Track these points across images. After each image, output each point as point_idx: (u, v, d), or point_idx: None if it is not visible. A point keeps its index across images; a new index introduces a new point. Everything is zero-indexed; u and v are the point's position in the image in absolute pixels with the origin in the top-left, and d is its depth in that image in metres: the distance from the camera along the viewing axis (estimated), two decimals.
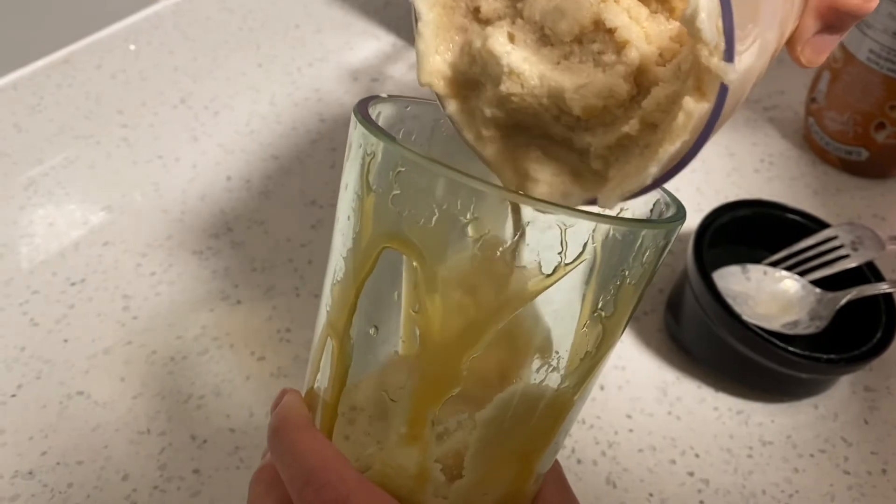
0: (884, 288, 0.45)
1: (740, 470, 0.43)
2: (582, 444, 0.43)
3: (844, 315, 0.46)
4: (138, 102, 0.63)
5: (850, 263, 0.47)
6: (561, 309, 0.28)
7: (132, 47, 0.68)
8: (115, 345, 0.47)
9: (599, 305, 0.26)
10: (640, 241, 0.25)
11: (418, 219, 0.24)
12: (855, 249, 0.48)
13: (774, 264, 0.48)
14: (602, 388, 0.45)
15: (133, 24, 0.70)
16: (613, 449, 0.43)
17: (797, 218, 0.50)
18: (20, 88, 0.63)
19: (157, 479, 0.41)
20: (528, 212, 0.23)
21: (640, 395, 0.45)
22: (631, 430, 0.44)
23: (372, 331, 0.28)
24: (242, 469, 0.42)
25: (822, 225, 0.49)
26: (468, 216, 0.23)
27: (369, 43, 0.69)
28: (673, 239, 0.26)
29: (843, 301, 0.46)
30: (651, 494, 0.42)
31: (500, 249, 0.24)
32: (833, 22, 0.27)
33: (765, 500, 0.42)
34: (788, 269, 0.48)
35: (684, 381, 0.46)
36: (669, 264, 0.52)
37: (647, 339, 0.48)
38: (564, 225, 0.23)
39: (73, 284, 0.50)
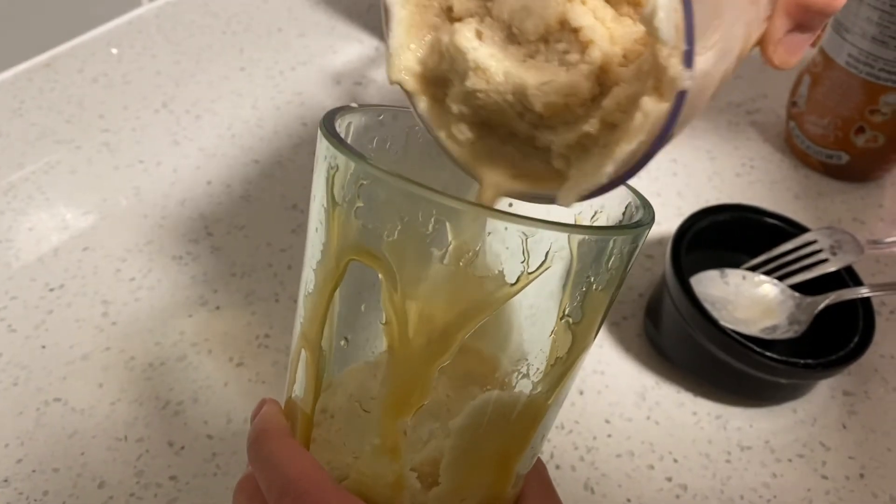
0: (862, 292, 0.46)
1: (718, 475, 0.43)
2: (560, 450, 0.43)
3: (823, 319, 0.46)
4: (120, 107, 0.63)
5: (829, 268, 0.47)
6: (532, 315, 0.28)
7: (114, 51, 0.68)
8: (93, 351, 0.47)
9: (567, 312, 0.26)
10: (606, 247, 0.25)
11: (381, 231, 0.24)
12: (834, 254, 0.48)
13: (753, 269, 0.48)
14: (581, 392, 0.45)
15: (116, 27, 0.70)
16: (592, 454, 0.43)
17: (776, 222, 0.50)
18: (1, 92, 0.63)
19: (134, 486, 0.41)
20: (490, 222, 0.23)
21: (618, 400, 0.45)
22: (609, 436, 0.44)
23: (343, 342, 0.28)
24: (220, 476, 0.41)
25: (802, 229, 0.49)
26: (430, 228, 0.23)
27: (352, 47, 0.69)
28: (641, 243, 0.26)
29: (822, 305, 0.46)
30: (629, 500, 0.42)
31: (464, 260, 0.24)
32: (803, 20, 0.27)
33: None
34: (767, 273, 0.48)
35: (663, 386, 0.46)
36: (649, 269, 0.52)
37: (626, 343, 0.48)
38: (525, 235, 0.23)
39: (51, 290, 0.50)
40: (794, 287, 0.47)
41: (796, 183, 0.61)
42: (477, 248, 0.23)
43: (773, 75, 0.66)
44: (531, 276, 0.24)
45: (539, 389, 0.28)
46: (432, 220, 0.23)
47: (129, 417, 0.44)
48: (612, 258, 0.25)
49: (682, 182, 0.58)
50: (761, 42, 0.28)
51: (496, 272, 0.24)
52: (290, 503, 0.25)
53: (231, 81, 0.65)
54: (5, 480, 0.41)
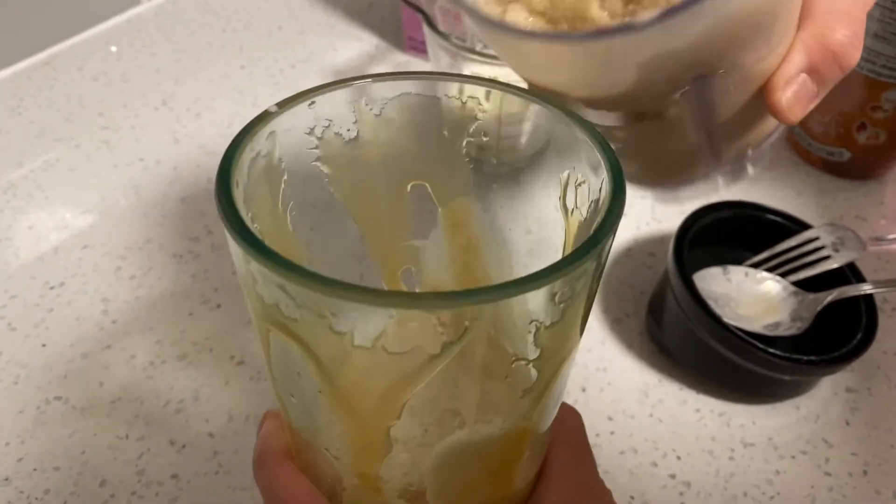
0: (865, 289, 0.45)
1: (722, 472, 0.43)
2: None
3: (826, 316, 0.46)
4: (119, 105, 0.62)
5: (832, 265, 0.47)
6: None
7: (114, 49, 0.68)
8: (93, 349, 0.46)
9: (516, 356, 0.25)
10: (537, 298, 0.22)
11: (287, 312, 0.22)
12: (836, 250, 0.48)
13: (756, 266, 0.48)
14: (584, 389, 0.45)
15: (115, 26, 0.70)
16: (595, 451, 0.43)
17: (778, 219, 0.50)
18: (0, 90, 0.62)
19: (136, 485, 0.41)
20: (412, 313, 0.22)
21: (621, 398, 0.45)
22: (612, 433, 0.44)
23: (293, 399, 0.27)
24: (221, 474, 0.41)
25: (804, 226, 0.49)
26: (334, 316, 0.21)
27: (352, 45, 0.69)
28: (601, 263, 0.24)
29: (825, 302, 0.46)
30: (632, 497, 0.41)
31: (378, 340, 0.22)
32: (820, 65, 0.27)
33: (746, 502, 0.41)
34: (770, 270, 0.48)
35: (666, 384, 0.46)
36: (651, 266, 0.52)
37: (628, 341, 0.48)
38: (437, 318, 0.22)
39: (51, 288, 0.50)
40: (797, 284, 0.47)
41: (798, 180, 0.61)
42: (384, 330, 0.22)
43: None
44: (456, 346, 0.22)
45: (513, 420, 0.26)
46: (333, 311, 0.21)
47: (130, 416, 0.43)
48: (558, 295, 0.22)
49: None
50: (770, 81, 0.27)
51: (413, 347, 0.22)
52: None
53: (231, 79, 0.65)
54: (6, 479, 0.41)
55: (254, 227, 0.24)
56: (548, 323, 0.23)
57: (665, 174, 0.35)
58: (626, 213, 0.55)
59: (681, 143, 0.30)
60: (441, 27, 0.54)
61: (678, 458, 0.43)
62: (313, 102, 0.27)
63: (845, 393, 0.47)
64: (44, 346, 0.47)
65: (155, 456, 0.42)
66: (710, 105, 0.28)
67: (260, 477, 0.28)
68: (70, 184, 0.56)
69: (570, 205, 0.28)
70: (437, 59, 0.54)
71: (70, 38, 0.68)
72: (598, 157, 0.25)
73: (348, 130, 0.29)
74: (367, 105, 0.28)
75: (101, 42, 0.68)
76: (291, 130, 0.27)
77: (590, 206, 0.26)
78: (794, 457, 0.44)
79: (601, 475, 0.42)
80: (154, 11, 0.72)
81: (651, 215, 0.55)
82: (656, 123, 0.29)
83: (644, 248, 0.53)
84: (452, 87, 0.28)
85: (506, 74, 0.50)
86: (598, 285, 0.24)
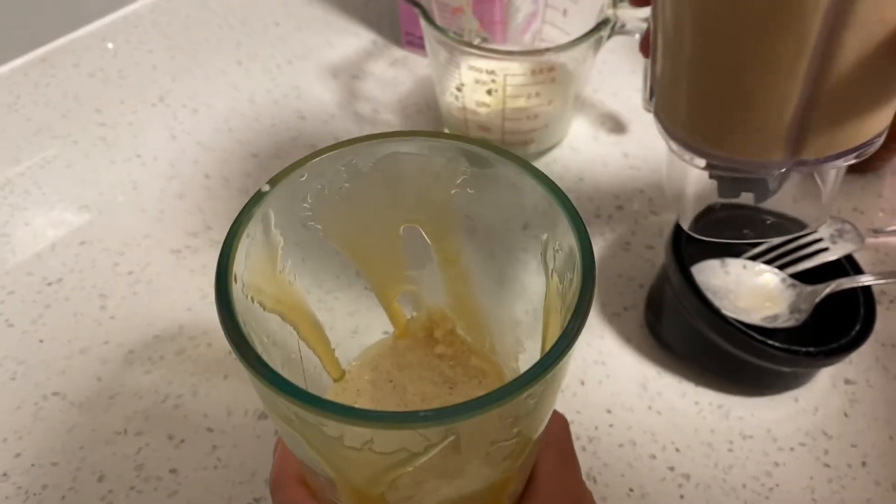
0: (863, 281, 0.45)
1: (721, 464, 0.43)
2: None
3: (824, 308, 0.45)
4: (116, 101, 0.62)
5: (830, 256, 0.47)
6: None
7: (110, 46, 0.67)
8: (91, 345, 0.46)
9: (494, 442, 0.26)
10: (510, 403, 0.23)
11: (285, 411, 0.23)
12: (834, 243, 0.47)
13: (754, 258, 0.48)
14: (582, 383, 0.45)
15: (111, 22, 0.70)
16: (594, 444, 0.43)
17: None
18: None
19: (134, 480, 0.41)
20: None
21: (620, 391, 0.45)
22: (611, 426, 0.44)
23: (297, 452, 0.28)
24: (220, 468, 0.41)
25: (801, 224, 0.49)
26: (320, 424, 0.23)
27: (349, 40, 0.69)
28: (568, 355, 0.24)
29: (823, 294, 0.46)
30: (631, 489, 0.41)
31: (363, 443, 0.23)
32: None
33: (745, 494, 0.41)
34: (768, 262, 0.48)
35: (665, 376, 0.46)
36: (649, 259, 0.52)
37: (627, 334, 0.48)
38: (414, 433, 0.22)
39: (49, 284, 0.49)
40: (795, 276, 0.47)
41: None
42: (371, 437, 0.23)
43: None
44: (438, 446, 0.23)
45: (497, 475, 0.28)
46: (323, 422, 0.22)
47: (129, 411, 0.43)
48: (531, 397, 0.23)
49: None
50: None
51: (399, 448, 0.23)
52: None
53: (228, 75, 0.65)
54: (4, 475, 0.40)
55: (256, 303, 0.27)
56: (523, 414, 0.24)
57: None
58: (624, 206, 0.55)
59: None
60: (438, 21, 0.54)
61: (677, 450, 0.43)
62: (304, 176, 0.28)
63: (844, 385, 0.47)
64: (41, 342, 0.46)
65: (153, 451, 0.42)
66: None
67: (277, 499, 0.30)
68: (67, 180, 0.56)
69: (549, 264, 0.29)
70: (435, 53, 0.54)
71: (66, 34, 0.68)
72: (573, 240, 0.26)
73: (340, 189, 0.30)
74: (357, 165, 0.30)
75: (97, 39, 0.68)
76: (284, 203, 0.28)
77: (565, 277, 0.27)
78: (792, 449, 0.44)
79: (601, 468, 0.42)
80: (150, 8, 0.71)
81: (649, 208, 0.55)
82: None
83: (642, 242, 0.53)
84: (438, 146, 0.29)
85: (503, 68, 0.50)
86: (569, 362, 0.25)
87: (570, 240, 0.26)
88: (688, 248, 0.46)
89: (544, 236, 0.28)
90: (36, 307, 0.48)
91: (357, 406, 0.34)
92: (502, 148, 0.28)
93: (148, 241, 0.52)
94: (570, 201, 0.27)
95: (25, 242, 0.52)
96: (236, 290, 0.25)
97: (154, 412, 0.43)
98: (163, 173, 0.57)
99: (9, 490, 0.40)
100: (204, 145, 0.59)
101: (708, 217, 0.48)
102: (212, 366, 0.45)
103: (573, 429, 0.43)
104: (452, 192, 0.30)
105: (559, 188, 0.27)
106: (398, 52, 0.67)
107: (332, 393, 0.36)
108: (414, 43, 0.67)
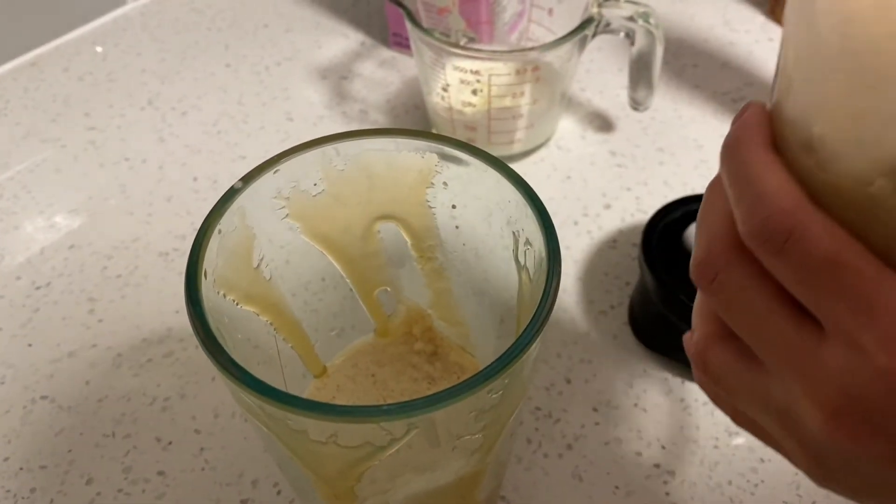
0: None
1: (706, 461, 0.43)
2: (548, 438, 0.43)
3: None
4: (105, 105, 0.63)
5: None
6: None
7: (99, 50, 0.68)
8: (80, 348, 0.47)
9: (458, 435, 0.26)
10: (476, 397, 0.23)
11: (251, 406, 0.24)
12: None
13: None
14: (568, 381, 0.46)
15: (100, 26, 0.70)
16: (580, 442, 0.43)
17: None
18: None
19: (122, 482, 0.41)
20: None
21: (606, 388, 0.45)
22: (597, 424, 0.44)
23: (272, 451, 0.29)
24: (208, 470, 0.41)
25: None
26: (286, 419, 0.23)
27: (338, 41, 0.69)
28: (533, 352, 0.25)
29: None
30: (617, 487, 0.42)
31: (329, 437, 0.23)
32: None
33: (731, 491, 0.42)
34: None
35: (651, 374, 0.46)
36: (635, 258, 0.52)
37: (612, 332, 0.48)
38: (380, 426, 0.23)
39: (38, 288, 0.50)
40: None
41: None
42: (335, 431, 0.23)
43: (759, 64, 0.66)
44: (401, 440, 0.23)
45: (467, 468, 0.28)
46: (289, 417, 0.23)
47: (117, 414, 0.44)
48: (494, 390, 0.24)
49: (669, 170, 0.58)
50: None
51: (363, 443, 0.24)
52: (762, 219, 0.21)
53: (216, 78, 0.65)
54: None
55: (228, 299, 0.28)
56: (487, 408, 0.24)
57: None
58: (611, 204, 0.55)
59: None
60: (425, 22, 0.54)
61: (663, 447, 0.43)
62: (277, 171, 0.29)
63: None
64: (30, 345, 0.47)
65: (141, 453, 0.42)
66: None
67: (731, 164, 0.23)
68: (56, 184, 0.56)
69: (521, 261, 0.29)
70: (421, 54, 0.54)
71: (55, 38, 0.68)
72: (540, 237, 0.26)
73: (315, 185, 0.31)
74: (331, 163, 0.30)
75: (86, 42, 0.68)
76: (258, 199, 0.29)
77: (535, 272, 0.27)
78: None
79: (587, 466, 0.42)
80: (139, 11, 0.72)
81: (636, 207, 0.55)
82: None
83: (629, 240, 0.53)
84: (412, 144, 0.29)
85: (488, 69, 0.51)
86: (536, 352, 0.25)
87: (538, 238, 0.26)
88: (665, 246, 0.46)
89: (516, 233, 0.29)
90: (25, 311, 0.48)
91: (336, 402, 0.34)
92: (474, 146, 0.28)
93: (136, 245, 0.52)
94: (538, 197, 0.27)
95: (14, 246, 0.52)
96: (206, 285, 0.25)
97: (142, 415, 0.44)
98: (151, 176, 0.57)
99: None
100: (192, 148, 0.59)
101: (680, 210, 0.48)
102: (200, 368, 0.46)
103: (559, 427, 0.44)
104: (427, 189, 0.31)
105: (528, 185, 0.27)
106: (386, 53, 0.68)
107: (311, 389, 0.36)
108: (402, 44, 0.67)
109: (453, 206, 0.31)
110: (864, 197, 0.20)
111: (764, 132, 0.23)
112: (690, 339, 0.26)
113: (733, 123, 0.24)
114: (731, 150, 0.23)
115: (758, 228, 0.21)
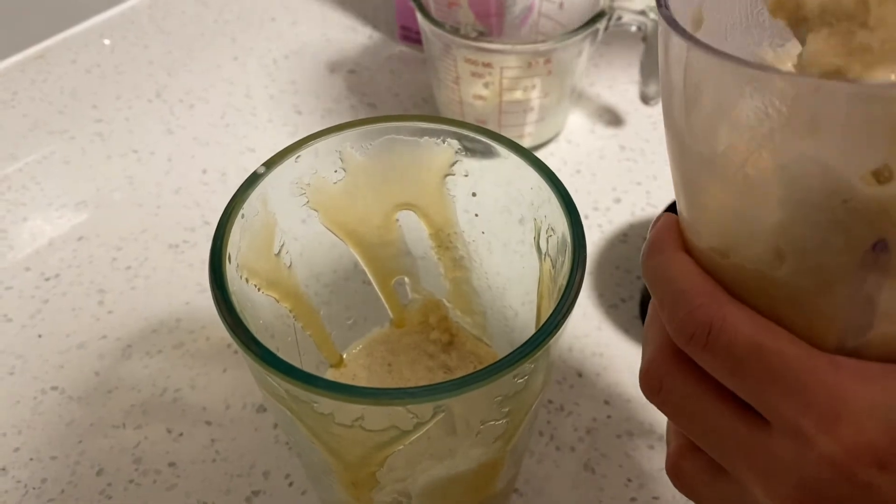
0: None
1: None
2: (560, 431, 0.43)
3: None
4: (113, 97, 0.62)
5: None
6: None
7: (107, 42, 0.67)
8: (89, 339, 0.46)
9: (484, 420, 0.26)
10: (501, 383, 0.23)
11: (277, 390, 0.24)
12: None
13: None
14: (580, 374, 0.45)
15: (108, 18, 0.70)
16: (592, 435, 0.43)
17: None
18: None
19: (133, 473, 0.41)
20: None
21: (618, 381, 0.45)
22: (609, 417, 0.44)
23: (292, 439, 0.29)
24: (219, 461, 0.41)
25: None
26: (311, 402, 0.23)
27: (346, 35, 0.69)
28: (558, 336, 0.24)
29: None
30: (629, 480, 0.41)
31: (355, 420, 0.23)
32: None
33: None
34: None
35: None
36: None
37: (624, 325, 0.48)
38: (405, 409, 0.23)
39: (47, 280, 0.50)
40: None
41: None
42: (361, 413, 0.23)
43: None
44: (427, 424, 0.23)
45: (488, 456, 0.28)
46: (315, 400, 0.23)
47: (127, 405, 0.43)
48: (519, 375, 0.24)
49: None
50: None
51: (389, 426, 0.24)
52: (683, 316, 0.22)
53: (224, 70, 0.65)
54: (3, 469, 0.41)
55: (251, 285, 0.27)
56: (512, 394, 0.24)
57: None
58: (621, 198, 0.55)
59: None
60: (435, 15, 0.54)
61: None
62: (299, 157, 0.29)
63: None
64: (40, 336, 0.47)
65: (152, 444, 0.42)
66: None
67: (649, 263, 0.25)
68: (64, 176, 0.56)
69: (542, 248, 0.29)
70: (431, 46, 0.54)
71: (63, 31, 0.68)
72: (565, 223, 0.26)
73: (335, 172, 0.31)
74: (351, 149, 0.30)
75: (94, 35, 0.68)
76: (279, 185, 0.29)
77: (557, 261, 0.27)
78: None
79: (599, 458, 0.42)
80: (147, 4, 0.71)
81: (646, 201, 0.55)
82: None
83: (640, 233, 0.53)
84: (432, 129, 0.29)
85: (499, 60, 0.50)
86: (559, 341, 0.25)
87: (561, 223, 0.26)
88: None
89: (537, 220, 0.29)
90: (34, 302, 0.48)
91: None
92: (495, 132, 0.28)
93: (145, 236, 0.52)
94: (561, 184, 0.27)
95: (23, 238, 0.52)
96: (230, 269, 0.25)
97: (152, 406, 0.43)
98: (160, 168, 0.57)
99: (8, 484, 0.40)
100: (200, 140, 0.59)
101: None
102: (210, 359, 0.45)
103: (571, 419, 0.43)
104: (446, 176, 0.30)
105: (551, 171, 0.27)
106: (395, 47, 0.67)
107: (328, 378, 0.36)
108: (410, 38, 0.67)
109: (473, 194, 0.31)
110: (769, 280, 0.21)
111: (674, 236, 0.24)
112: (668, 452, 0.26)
113: (649, 233, 0.26)
114: (647, 258, 0.25)
115: (680, 327, 0.22)
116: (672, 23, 0.20)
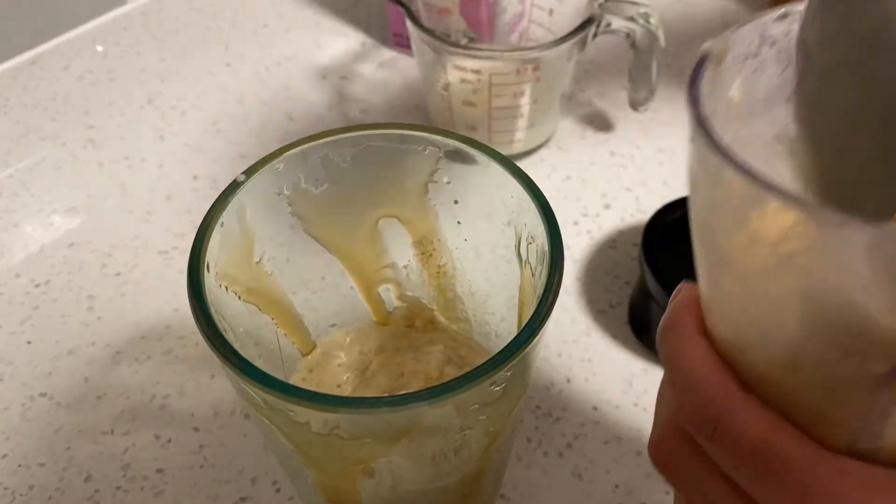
0: None
1: None
2: (548, 437, 0.43)
3: None
4: (105, 103, 0.63)
5: None
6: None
7: (99, 48, 0.68)
8: (78, 346, 0.46)
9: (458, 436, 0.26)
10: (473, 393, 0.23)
11: (255, 399, 0.24)
12: None
13: None
14: (568, 380, 0.45)
15: (101, 25, 0.70)
16: (580, 441, 0.43)
17: None
18: None
19: (121, 480, 0.41)
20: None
21: (606, 388, 0.45)
22: (597, 423, 0.44)
23: (273, 450, 0.29)
24: (206, 468, 0.41)
25: None
26: (287, 410, 0.23)
27: (338, 41, 0.69)
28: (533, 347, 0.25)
29: None
30: (617, 486, 0.42)
31: (329, 428, 0.23)
32: None
33: None
34: None
35: (651, 373, 0.46)
36: (636, 257, 0.52)
37: (613, 331, 0.48)
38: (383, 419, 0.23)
39: (37, 286, 0.50)
40: None
41: None
42: (337, 422, 0.23)
43: None
44: (402, 434, 0.23)
45: (470, 464, 0.28)
46: (290, 409, 0.23)
47: (115, 411, 0.44)
48: (496, 384, 0.24)
49: (668, 171, 0.58)
50: None
51: (364, 434, 0.24)
52: (691, 404, 0.22)
53: (216, 77, 0.65)
54: None
55: (231, 293, 0.27)
56: (490, 402, 0.24)
57: None
58: (611, 204, 0.55)
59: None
60: (425, 22, 0.54)
61: None
62: (280, 165, 0.29)
63: None
64: (29, 343, 0.47)
65: (140, 450, 0.42)
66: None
67: (663, 347, 0.24)
68: (56, 182, 0.56)
69: (523, 255, 0.29)
70: (421, 53, 0.54)
71: (56, 37, 0.68)
72: (543, 231, 0.26)
73: (317, 180, 0.30)
74: (332, 157, 0.30)
75: (86, 41, 0.68)
76: (260, 193, 0.29)
77: (536, 268, 0.27)
78: None
79: (586, 465, 0.42)
80: (140, 10, 0.72)
81: (636, 207, 0.55)
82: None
83: (629, 239, 0.53)
84: (414, 138, 0.29)
85: (488, 67, 0.51)
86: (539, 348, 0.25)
87: (541, 232, 0.26)
88: (667, 247, 0.46)
89: (518, 228, 0.29)
90: (24, 309, 0.48)
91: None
92: (478, 141, 0.28)
93: (136, 243, 0.52)
94: (541, 193, 0.27)
95: (14, 244, 0.52)
96: (209, 278, 0.25)
97: (141, 412, 0.44)
98: (151, 175, 0.57)
99: None
100: (192, 147, 0.59)
101: (680, 210, 0.49)
102: (199, 365, 0.45)
103: (559, 426, 0.43)
104: (428, 184, 0.31)
105: (531, 180, 0.27)
106: (387, 53, 0.68)
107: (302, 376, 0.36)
108: (402, 44, 0.67)
109: (455, 202, 0.31)
110: (783, 382, 0.20)
111: (694, 316, 0.23)
112: None
113: (669, 305, 0.25)
114: (663, 336, 0.24)
115: (689, 417, 0.22)
116: (702, 124, 0.18)
